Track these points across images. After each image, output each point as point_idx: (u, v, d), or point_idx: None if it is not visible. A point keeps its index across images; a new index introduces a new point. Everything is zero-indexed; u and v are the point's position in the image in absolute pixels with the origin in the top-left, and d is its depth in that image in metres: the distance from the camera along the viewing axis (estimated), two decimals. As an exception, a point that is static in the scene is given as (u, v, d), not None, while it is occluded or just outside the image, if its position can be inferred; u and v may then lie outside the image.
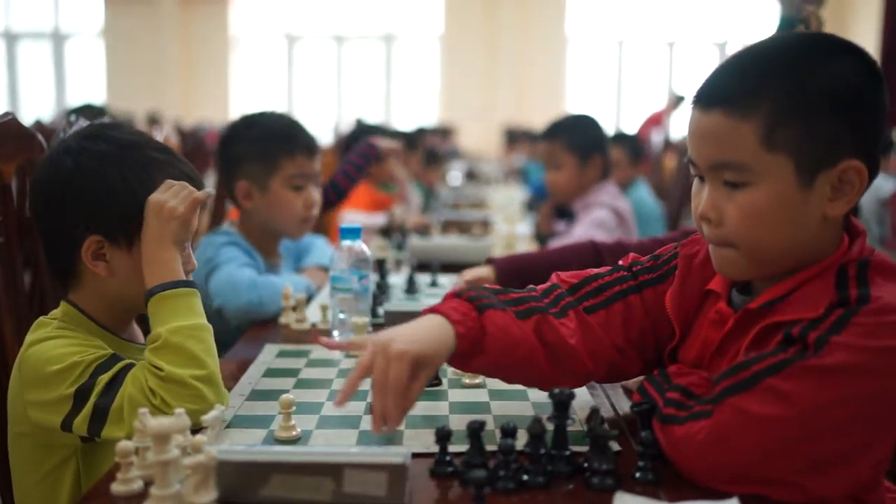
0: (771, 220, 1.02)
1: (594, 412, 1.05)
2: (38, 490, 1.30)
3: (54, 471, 1.28)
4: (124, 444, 0.98)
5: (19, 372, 1.27)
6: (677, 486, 0.99)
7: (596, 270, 1.27)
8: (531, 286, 1.26)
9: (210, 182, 3.56)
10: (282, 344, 1.65)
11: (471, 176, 7.40)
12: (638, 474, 1.01)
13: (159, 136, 3.48)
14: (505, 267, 1.87)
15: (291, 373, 1.46)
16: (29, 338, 1.29)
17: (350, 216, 3.64)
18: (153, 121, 7.95)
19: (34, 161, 1.50)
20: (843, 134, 1.00)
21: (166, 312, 1.23)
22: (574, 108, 11.04)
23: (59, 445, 1.27)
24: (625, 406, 1.29)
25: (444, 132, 9.21)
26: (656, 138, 5.48)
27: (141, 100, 10.72)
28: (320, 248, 2.32)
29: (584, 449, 1.03)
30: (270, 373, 1.46)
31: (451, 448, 1.03)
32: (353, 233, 1.67)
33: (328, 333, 1.71)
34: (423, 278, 2.23)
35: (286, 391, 1.30)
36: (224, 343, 1.79)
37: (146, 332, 1.31)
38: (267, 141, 2.09)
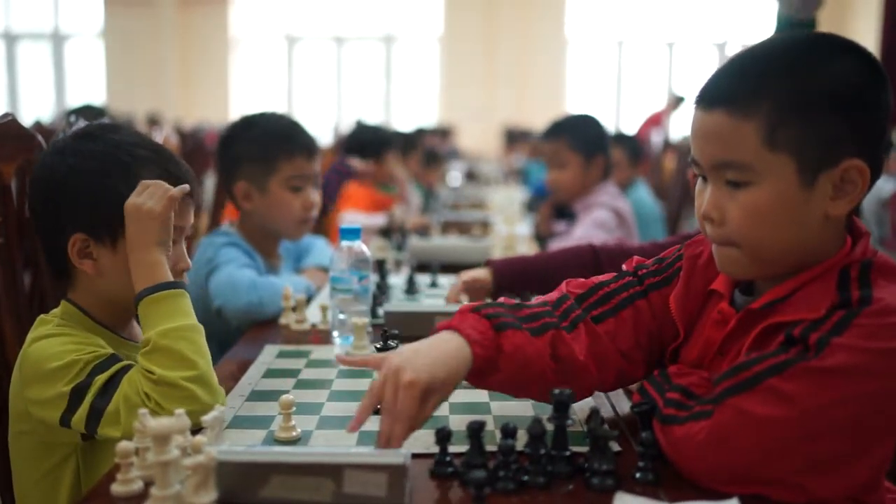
0: (773, 220, 1.02)
1: (594, 412, 1.05)
2: (38, 488, 1.30)
3: (54, 469, 1.29)
4: (124, 445, 0.98)
5: (20, 369, 1.28)
6: (677, 487, 0.99)
7: (602, 278, 1.27)
8: (541, 298, 1.25)
9: (210, 183, 3.57)
10: (282, 344, 1.65)
11: (470, 176, 7.41)
12: (638, 474, 1.01)
13: (159, 136, 3.48)
14: (502, 269, 1.87)
15: (291, 373, 1.46)
16: (30, 335, 1.29)
17: (350, 217, 3.65)
18: (153, 122, 7.96)
19: (34, 162, 1.50)
20: (844, 133, 1.00)
21: (154, 316, 1.23)
22: (574, 108, 11.04)
23: (59, 444, 1.27)
24: (625, 406, 1.28)
25: (443, 133, 9.22)
26: (656, 139, 5.48)
27: (141, 101, 10.73)
28: (320, 249, 2.32)
29: (584, 449, 1.03)
30: (270, 373, 1.46)
31: (451, 448, 1.03)
32: (353, 233, 1.67)
33: (328, 334, 1.72)
34: (422, 279, 2.22)
35: (286, 392, 1.30)
36: (224, 343, 1.80)
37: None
38: (266, 142, 2.09)
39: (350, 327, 1.61)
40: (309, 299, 1.97)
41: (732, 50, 11.28)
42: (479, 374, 1.11)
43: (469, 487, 0.95)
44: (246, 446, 1.10)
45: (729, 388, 0.97)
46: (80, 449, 1.28)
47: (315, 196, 2.11)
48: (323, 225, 3.33)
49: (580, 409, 1.23)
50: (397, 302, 2.02)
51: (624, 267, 1.29)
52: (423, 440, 1.12)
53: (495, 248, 2.73)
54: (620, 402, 1.31)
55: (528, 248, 2.87)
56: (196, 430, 1.07)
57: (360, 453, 0.99)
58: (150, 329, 1.22)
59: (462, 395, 1.33)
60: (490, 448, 1.02)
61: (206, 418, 1.05)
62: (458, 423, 1.16)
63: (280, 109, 2.36)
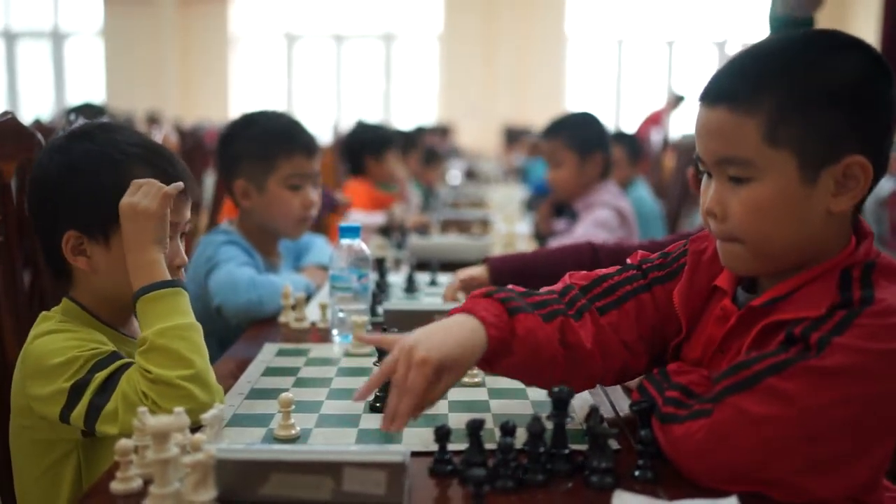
0: (774, 215, 1.03)
1: (593, 411, 1.05)
2: (38, 485, 1.30)
3: (55, 465, 1.29)
4: (123, 443, 0.98)
5: (22, 364, 1.29)
6: (676, 485, 0.99)
7: (606, 270, 1.27)
8: (546, 288, 1.25)
9: (210, 181, 3.56)
10: (281, 343, 1.65)
11: (470, 175, 7.41)
12: (637, 473, 1.01)
13: (158, 135, 3.48)
14: (500, 266, 1.87)
15: (290, 371, 1.46)
16: (33, 332, 1.30)
17: (350, 215, 3.65)
18: (152, 120, 7.95)
19: (34, 160, 1.50)
20: (846, 129, 1.01)
21: (151, 315, 1.23)
22: (573, 107, 11.04)
23: (60, 440, 1.28)
24: (624, 405, 1.29)
25: (443, 131, 9.22)
26: (655, 137, 5.48)
27: (140, 99, 10.73)
28: (320, 247, 2.32)
29: (584, 447, 1.03)
30: (269, 371, 1.46)
31: (451, 446, 1.03)
32: (353, 232, 1.67)
33: (327, 332, 1.72)
34: (422, 277, 2.23)
35: (285, 390, 1.29)
36: (224, 341, 1.80)
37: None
38: (265, 140, 2.08)
39: (349, 325, 1.61)
40: (308, 297, 1.97)
41: (732, 49, 11.29)
42: (492, 357, 1.11)
43: (468, 485, 0.95)
44: (245, 444, 1.10)
45: (728, 387, 0.97)
46: (82, 445, 1.28)
47: (314, 195, 2.11)
48: (322, 224, 3.32)
49: (579, 407, 1.23)
50: (397, 300, 2.02)
51: (629, 261, 1.30)
52: (422, 438, 1.12)
53: (495, 247, 2.73)
54: (620, 401, 1.31)
55: (527, 247, 2.87)
56: (195, 428, 1.07)
57: (360, 451, 0.99)
58: (148, 328, 1.22)
59: (461, 394, 1.33)
60: (489, 446, 1.02)
61: (206, 416, 1.05)
62: (457, 421, 1.16)
63: (280, 108, 2.36)
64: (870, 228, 1.08)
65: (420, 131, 6.67)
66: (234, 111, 10.34)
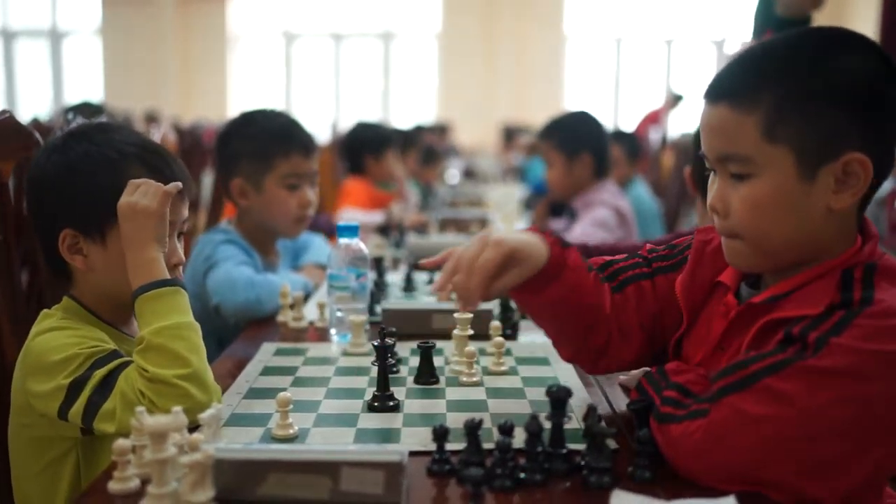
0: (773, 212, 1.03)
1: (591, 410, 1.05)
2: (37, 482, 1.31)
3: (54, 463, 1.29)
4: (121, 443, 0.98)
5: (23, 361, 1.29)
6: (674, 484, 0.99)
7: (611, 257, 1.30)
8: None
9: (208, 180, 3.56)
10: (279, 342, 1.65)
11: (469, 174, 7.40)
12: (635, 472, 1.01)
13: (157, 134, 3.47)
14: None
15: (289, 371, 1.46)
16: (34, 329, 1.31)
17: (348, 214, 3.65)
18: (151, 119, 7.94)
19: (31, 159, 1.50)
20: (846, 127, 1.01)
21: (150, 314, 1.23)
22: (572, 105, 11.04)
23: (59, 438, 1.28)
24: (622, 404, 1.29)
25: (441, 130, 9.21)
26: (654, 136, 5.49)
27: (139, 98, 10.71)
28: (318, 246, 2.32)
29: (582, 447, 1.03)
30: (268, 371, 1.46)
31: (449, 446, 1.03)
32: (351, 231, 1.67)
33: (325, 331, 1.72)
34: (420, 276, 2.22)
35: (283, 389, 1.29)
36: (222, 341, 1.80)
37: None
38: (262, 139, 2.08)
39: (348, 325, 1.61)
40: (307, 297, 1.97)
41: (731, 48, 11.29)
42: (545, 277, 1.15)
43: (466, 485, 0.95)
44: (243, 444, 1.10)
45: (726, 387, 0.97)
46: (81, 444, 1.28)
47: (312, 194, 2.11)
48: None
49: (577, 406, 1.23)
50: (395, 299, 2.02)
51: (638, 252, 1.32)
52: (420, 438, 1.12)
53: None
54: (618, 400, 1.31)
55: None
56: (193, 427, 1.07)
57: (358, 451, 0.99)
58: (146, 326, 1.22)
59: (459, 393, 1.33)
60: (487, 446, 1.02)
61: (203, 416, 1.05)
62: (455, 420, 1.16)
63: (278, 106, 2.36)
64: (875, 230, 1.08)
65: (419, 130, 6.67)
66: (233, 110, 10.34)
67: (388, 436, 1.16)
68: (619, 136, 4.48)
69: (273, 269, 2.12)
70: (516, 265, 1.11)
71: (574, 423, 1.17)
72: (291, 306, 1.80)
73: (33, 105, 11.48)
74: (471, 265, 1.08)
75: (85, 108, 4.38)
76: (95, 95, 10.54)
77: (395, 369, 1.42)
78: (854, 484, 0.96)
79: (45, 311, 1.35)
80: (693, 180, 1.87)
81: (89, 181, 1.32)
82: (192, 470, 0.89)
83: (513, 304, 1.80)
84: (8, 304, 1.46)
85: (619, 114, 12.09)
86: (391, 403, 1.26)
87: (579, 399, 1.27)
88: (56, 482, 1.29)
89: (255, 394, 1.33)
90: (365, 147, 4.45)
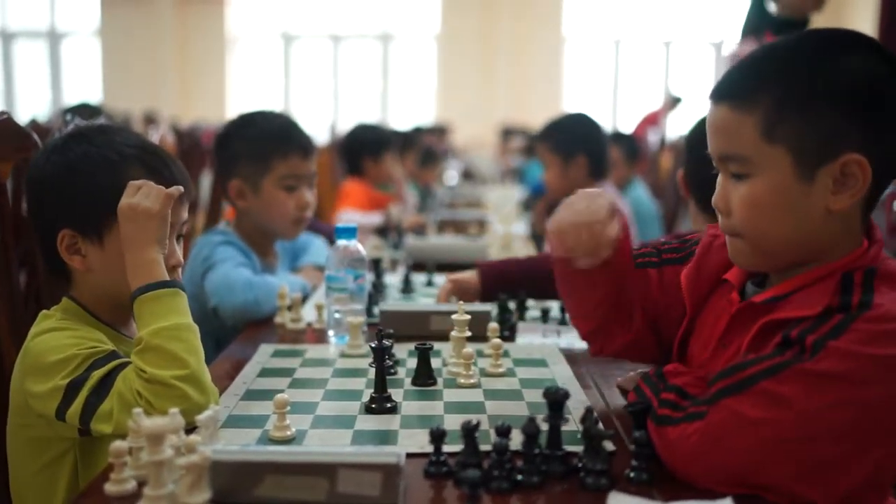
0: (771, 212, 1.04)
1: (589, 412, 1.05)
2: (34, 482, 1.31)
3: (52, 464, 1.29)
4: (118, 444, 0.98)
5: (22, 362, 1.29)
6: (671, 486, 0.99)
7: None
8: None
9: (206, 182, 3.56)
10: (277, 344, 1.65)
11: (467, 175, 7.41)
12: (632, 474, 1.01)
13: (155, 135, 3.47)
14: (489, 272, 1.88)
15: (286, 372, 1.46)
16: (33, 330, 1.31)
17: (347, 216, 3.65)
18: (150, 120, 7.94)
19: (30, 160, 1.50)
20: (844, 128, 1.01)
21: (148, 315, 1.23)
22: (571, 107, 11.04)
23: (57, 438, 1.28)
24: (619, 406, 1.29)
25: (440, 131, 9.21)
26: (653, 138, 5.49)
27: (137, 99, 10.70)
28: (316, 248, 2.32)
29: (579, 449, 1.03)
30: (265, 372, 1.46)
31: (446, 448, 1.03)
32: (349, 232, 1.67)
33: (323, 333, 1.72)
34: (419, 278, 2.23)
35: (281, 391, 1.29)
36: (220, 342, 1.80)
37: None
38: (260, 140, 2.08)
39: (346, 326, 1.61)
40: (305, 298, 1.97)
41: (728, 49, 11.30)
42: (622, 240, 1.21)
43: (463, 487, 0.94)
44: (240, 446, 1.10)
45: (723, 389, 0.98)
46: (79, 445, 1.28)
47: (310, 196, 2.11)
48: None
49: (575, 408, 1.23)
50: (393, 301, 2.02)
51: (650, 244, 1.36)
52: (417, 440, 1.12)
53: (492, 247, 2.73)
54: (615, 401, 1.31)
55: (524, 247, 2.88)
56: (190, 429, 1.07)
57: (355, 453, 0.99)
58: (144, 327, 1.22)
59: (457, 395, 1.33)
60: (484, 447, 1.02)
61: (201, 417, 1.05)
62: (452, 422, 1.16)
63: (277, 108, 2.36)
64: (881, 235, 1.09)
65: (417, 131, 6.67)
66: (232, 111, 10.33)
67: (386, 437, 1.16)
68: (617, 137, 4.48)
69: (271, 270, 2.12)
70: (616, 218, 1.18)
71: (571, 424, 1.17)
72: (289, 308, 1.80)
73: (32, 106, 11.47)
74: (580, 218, 1.17)
75: (83, 110, 4.37)
76: (94, 96, 10.53)
77: (392, 371, 1.41)
78: (852, 488, 0.96)
79: (44, 311, 1.35)
80: (686, 183, 1.87)
81: (88, 182, 1.33)
82: (189, 472, 0.89)
83: (510, 306, 1.80)
84: (6, 304, 1.46)
85: (617, 115, 12.09)
86: (388, 405, 1.26)
87: (577, 401, 1.27)
88: (53, 483, 1.29)
89: (252, 395, 1.33)
90: (364, 148, 4.45)
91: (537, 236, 3.09)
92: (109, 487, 0.98)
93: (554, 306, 1.84)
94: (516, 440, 1.02)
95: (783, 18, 2.71)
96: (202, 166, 3.67)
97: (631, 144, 4.45)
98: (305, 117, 2.27)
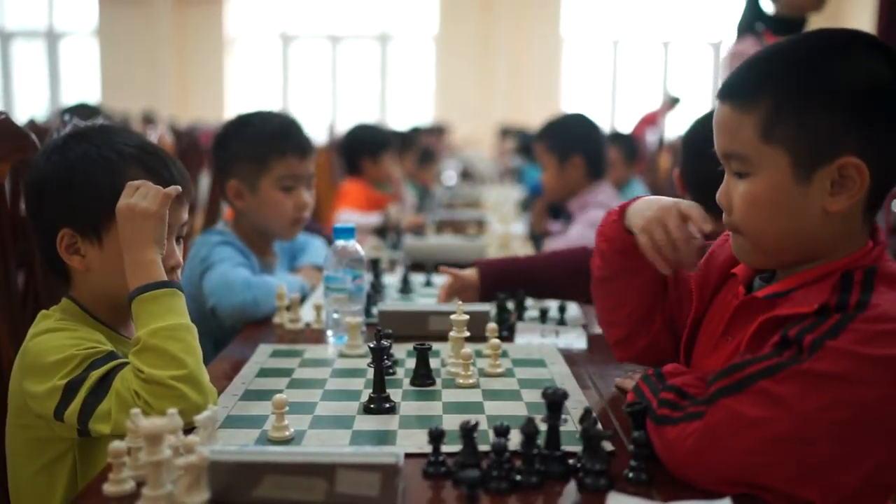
0: (769, 210, 1.05)
1: (587, 412, 1.05)
2: (33, 483, 1.31)
3: (50, 465, 1.29)
4: (116, 445, 0.97)
5: (20, 362, 1.29)
6: (670, 487, 0.99)
7: None
8: None
9: (204, 182, 3.56)
10: (276, 344, 1.65)
11: (466, 175, 7.41)
12: (631, 474, 1.01)
13: (154, 135, 3.47)
14: (489, 270, 1.87)
15: (285, 373, 1.45)
16: (32, 330, 1.31)
17: (345, 216, 3.65)
18: (148, 120, 7.94)
19: (28, 161, 1.50)
20: (843, 131, 1.01)
21: (146, 315, 1.23)
22: (569, 107, 11.04)
23: (56, 439, 1.28)
24: (618, 406, 1.29)
25: (438, 131, 9.21)
26: (651, 138, 5.49)
27: (136, 99, 10.70)
28: (315, 248, 2.32)
29: (578, 449, 1.03)
30: (264, 373, 1.46)
31: (445, 448, 1.03)
32: (347, 233, 1.67)
33: (322, 333, 1.72)
34: (417, 278, 2.23)
35: (279, 391, 1.30)
36: (219, 342, 1.80)
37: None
38: (258, 141, 2.08)
39: (344, 326, 1.61)
40: (303, 298, 1.97)
41: (728, 48, 11.30)
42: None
43: (462, 487, 0.94)
44: (238, 446, 1.10)
45: (722, 389, 0.98)
46: (78, 445, 1.28)
47: (308, 196, 2.11)
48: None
49: (573, 408, 1.23)
50: (392, 301, 2.02)
51: None
52: (415, 440, 1.12)
53: (490, 248, 2.73)
54: (614, 402, 1.31)
55: (522, 247, 2.87)
56: (189, 429, 1.06)
57: (353, 453, 0.99)
58: (142, 327, 1.22)
59: (455, 396, 1.33)
60: (483, 448, 1.02)
61: (199, 418, 1.05)
62: (451, 422, 1.16)
63: (275, 108, 2.36)
64: (884, 237, 1.09)
65: (416, 132, 6.67)
66: (230, 111, 10.33)
67: (384, 438, 1.15)
68: (616, 137, 4.48)
69: (270, 270, 2.12)
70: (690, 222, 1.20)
71: (570, 425, 1.17)
72: (288, 308, 1.80)
73: (30, 106, 11.46)
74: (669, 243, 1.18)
75: (82, 110, 4.36)
76: (92, 97, 10.52)
77: (391, 371, 1.41)
78: (850, 488, 0.96)
79: (44, 311, 1.36)
80: (682, 182, 1.87)
81: (87, 182, 1.33)
82: (188, 472, 0.89)
83: (509, 306, 1.80)
84: (4, 305, 1.45)
85: (616, 115, 12.10)
86: (387, 405, 1.26)
87: (575, 401, 1.27)
88: (52, 484, 1.29)
89: (251, 395, 1.33)
90: (363, 149, 4.45)
91: (536, 236, 3.09)
92: (108, 488, 0.98)
93: (553, 306, 1.84)
94: (515, 440, 1.02)
95: (781, 16, 2.71)
96: (200, 166, 3.67)
97: (630, 144, 4.45)
98: (304, 117, 2.27)
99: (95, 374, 1.21)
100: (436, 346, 1.45)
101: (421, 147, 6.06)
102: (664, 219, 1.19)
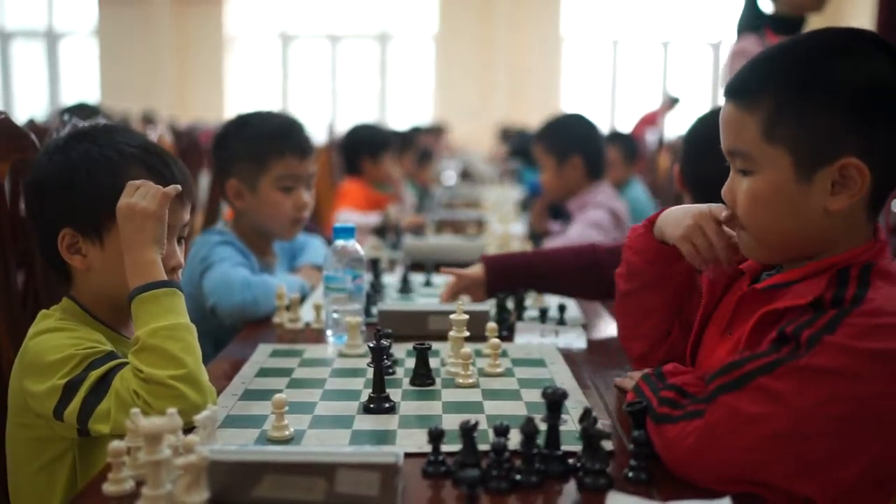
0: (771, 208, 1.07)
1: (587, 412, 1.05)
2: (33, 483, 1.31)
3: (50, 464, 1.29)
4: (116, 445, 0.97)
5: (20, 361, 1.29)
6: (670, 486, 0.99)
7: None
8: None
9: (204, 182, 3.56)
10: (275, 343, 1.65)
11: (465, 175, 7.40)
12: (630, 474, 1.01)
13: (153, 135, 3.46)
14: (492, 264, 1.85)
15: (284, 372, 1.45)
16: (32, 329, 1.31)
17: (345, 216, 3.64)
18: (147, 120, 7.93)
19: (27, 161, 1.50)
20: (844, 132, 1.02)
21: (146, 314, 1.23)
22: (569, 107, 11.04)
23: (56, 438, 1.28)
24: (618, 405, 1.29)
25: (437, 130, 9.20)
26: (651, 138, 5.49)
27: (135, 99, 10.69)
28: (315, 248, 2.32)
29: (578, 448, 1.03)
30: (263, 372, 1.46)
31: (444, 448, 1.03)
32: (347, 232, 1.67)
33: (321, 333, 1.71)
34: (417, 278, 2.22)
35: (279, 391, 1.30)
36: (218, 342, 1.80)
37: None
38: (258, 140, 2.08)
39: (344, 326, 1.61)
40: (303, 298, 1.97)
41: (727, 50, 11.31)
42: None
43: (461, 487, 0.94)
44: (238, 446, 1.10)
45: (721, 386, 0.98)
46: (78, 445, 1.28)
47: (308, 196, 2.11)
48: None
49: (573, 408, 1.23)
50: (391, 301, 2.02)
51: None
52: (415, 439, 1.12)
53: (490, 247, 2.72)
54: (613, 401, 1.31)
55: (522, 247, 2.87)
56: (189, 429, 1.06)
57: (353, 453, 0.99)
58: (142, 327, 1.22)
59: (455, 395, 1.33)
60: (483, 447, 1.02)
61: (199, 417, 1.05)
62: (450, 422, 1.16)
63: (275, 108, 2.36)
64: (885, 237, 1.10)
65: (415, 131, 6.67)
66: (230, 111, 10.32)
67: (384, 437, 1.15)
68: (615, 137, 4.48)
69: (270, 270, 2.12)
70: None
71: (570, 424, 1.17)
72: (288, 308, 1.80)
73: (29, 106, 11.46)
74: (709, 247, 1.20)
75: (81, 109, 4.36)
76: (92, 96, 10.51)
77: (390, 371, 1.41)
78: (847, 483, 0.96)
79: (44, 311, 1.36)
80: (681, 179, 1.87)
81: (89, 181, 1.33)
82: (187, 472, 0.89)
83: (509, 306, 1.80)
84: (4, 304, 1.45)
85: (615, 115, 12.09)
86: (387, 405, 1.26)
87: (575, 401, 1.27)
88: (52, 483, 1.29)
89: (250, 395, 1.33)
90: (363, 148, 4.45)
91: (535, 236, 3.09)
92: (108, 487, 0.98)
93: (552, 306, 1.84)
94: (515, 440, 1.02)
95: (781, 15, 2.72)
96: (200, 166, 3.67)
97: (629, 144, 4.45)
98: (303, 117, 2.27)
99: (95, 374, 1.21)
100: (435, 345, 1.45)
101: (420, 147, 6.06)
102: (703, 226, 1.21)
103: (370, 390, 1.28)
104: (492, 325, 1.53)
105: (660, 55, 12.47)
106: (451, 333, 1.45)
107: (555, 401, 1.03)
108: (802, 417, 0.94)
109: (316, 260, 2.22)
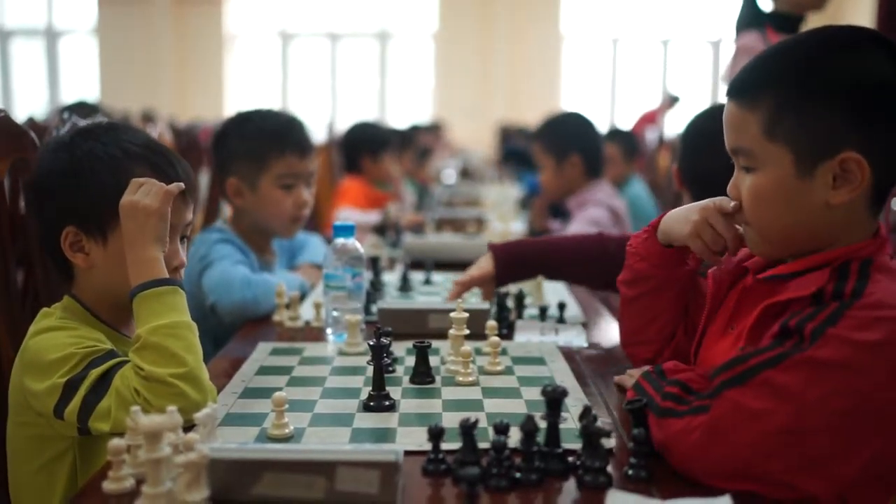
0: (773, 204, 1.08)
1: (587, 410, 1.05)
2: (33, 481, 1.31)
3: (50, 463, 1.29)
4: (116, 443, 0.98)
5: (21, 360, 1.29)
6: (670, 484, 0.99)
7: None
8: None
9: (204, 180, 3.55)
10: (275, 342, 1.65)
11: (465, 174, 7.40)
12: (630, 472, 1.01)
13: (153, 133, 3.46)
14: (501, 253, 1.83)
15: (284, 370, 1.45)
16: (33, 328, 1.32)
17: (344, 214, 3.64)
18: (147, 118, 7.92)
19: (27, 159, 1.50)
20: (845, 127, 1.03)
21: (147, 312, 1.23)
22: (569, 105, 11.04)
23: (57, 437, 1.28)
24: (618, 403, 1.29)
25: (436, 129, 9.20)
26: (650, 136, 5.49)
27: (135, 97, 10.69)
28: (314, 246, 2.32)
29: (578, 446, 1.03)
30: (263, 370, 1.46)
31: (444, 446, 1.03)
32: (347, 230, 1.67)
33: (321, 331, 1.72)
34: (417, 276, 2.22)
35: (279, 389, 1.29)
36: (218, 340, 1.80)
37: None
38: (258, 139, 2.08)
39: (344, 324, 1.61)
40: (303, 296, 1.97)
41: (727, 48, 11.30)
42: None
43: (461, 485, 0.94)
44: (238, 444, 1.10)
45: (726, 381, 0.99)
46: (79, 444, 1.28)
47: (307, 195, 2.11)
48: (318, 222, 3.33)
49: (573, 406, 1.23)
50: (391, 299, 2.02)
51: None
52: (415, 437, 1.12)
53: (489, 246, 2.72)
54: (613, 399, 1.31)
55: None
56: (189, 427, 1.06)
57: (353, 451, 0.99)
58: (143, 325, 1.22)
59: (455, 393, 1.33)
60: (483, 445, 1.02)
61: (199, 416, 1.05)
62: (450, 420, 1.16)
63: (275, 106, 2.36)
64: (886, 233, 1.11)
65: (415, 130, 6.67)
66: (229, 109, 10.32)
67: (384, 435, 1.16)
68: (615, 134, 4.48)
69: (269, 268, 2.12)
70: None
71: (570, 422, 1.17)
72: (287, 306, 1.80)
73: (29, 104, 11.46)
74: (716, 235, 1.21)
75: (81, 108, 4.36)
76: (91, 95, 10.51)
77: (390, 369, 1.41)
78: (849, 478, 0.97)
79: (45, 309, 1.36)
80: (680, 177, 1.87)
81: (93, 179, 1.33)
82: (187, 470, 0.89)
83: (509, 304, 1.80)
84: (4, 303, 1.45)
85: (615, 114, 12.09)
86: (387, 403, 1.26)
87: (575, 399, 1.27)
88: (52, 481, 1.29)
89: (250, 393, 1.33)
90: (363, 147, 4.45)
91: (535, 234, 3.09)
92: (108, 485, 0.98)
93: (552, 304, 1.84)
94: (515, 438, 1.02)
95: (781, 13, 2.72)
96: (200, 165, 3.67)
97: (629, 141, 4.45)
98: (303, 115, 2.27)
99: (95, 373, 1.21)
100: (435, 343, 1.45)
101: (420, 145, 6.06)
102: (710, 219, 1.22)
103: (370, 388, 1.28)
104: (492, 323, 1.53)
105: (660, 54, 12.46)
106: (451, 331, 1.45)
107: (555, 399, 1.03)
108: (806, 412, 0.94)
109: (315, 258, 2.22)
